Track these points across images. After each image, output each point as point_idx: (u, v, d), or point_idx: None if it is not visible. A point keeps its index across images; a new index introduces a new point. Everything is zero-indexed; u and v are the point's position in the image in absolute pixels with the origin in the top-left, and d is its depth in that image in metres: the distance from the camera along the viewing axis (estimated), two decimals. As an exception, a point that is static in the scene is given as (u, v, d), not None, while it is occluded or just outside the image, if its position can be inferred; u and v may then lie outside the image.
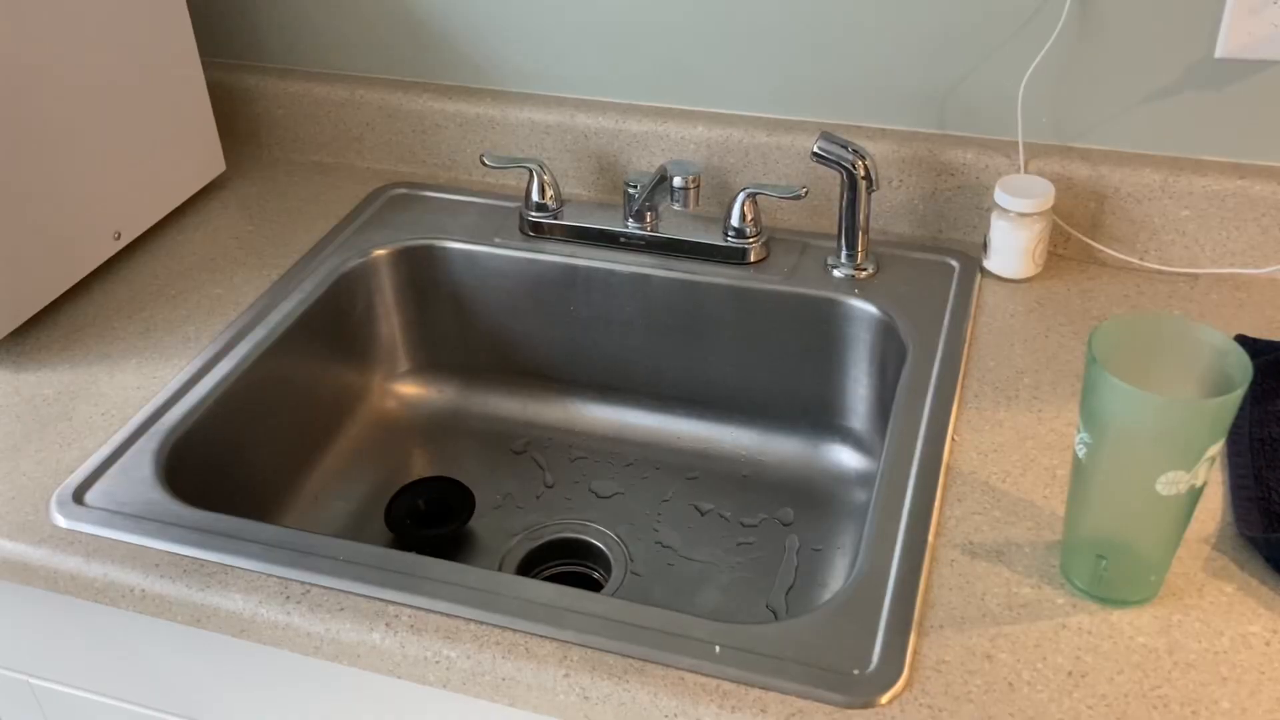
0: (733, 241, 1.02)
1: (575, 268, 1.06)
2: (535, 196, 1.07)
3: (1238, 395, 0.60)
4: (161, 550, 0.76)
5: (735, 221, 1.02)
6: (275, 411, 0.98)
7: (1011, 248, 0.97)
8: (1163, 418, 0.61)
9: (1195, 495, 0.64)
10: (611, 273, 1.05)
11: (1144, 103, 0.98)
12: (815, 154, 0.96)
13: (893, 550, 0.73)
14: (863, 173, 0.96)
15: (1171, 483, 0.63)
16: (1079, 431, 0.66)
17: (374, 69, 1.19)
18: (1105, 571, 0.69)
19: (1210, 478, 0.75)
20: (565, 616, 0.70)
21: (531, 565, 0.99)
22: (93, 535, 0.78)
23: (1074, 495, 0.69)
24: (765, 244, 1.03)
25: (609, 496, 1.04)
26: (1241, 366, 0.62)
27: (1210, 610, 0.69)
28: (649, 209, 1.05)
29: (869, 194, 0.98)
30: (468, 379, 1.14)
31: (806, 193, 0.98)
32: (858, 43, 1.02)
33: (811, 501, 1.02)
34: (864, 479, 1.02)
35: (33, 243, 0.95)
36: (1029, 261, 0.98)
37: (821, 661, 0.66)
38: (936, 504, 0.77)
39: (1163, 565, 0.69)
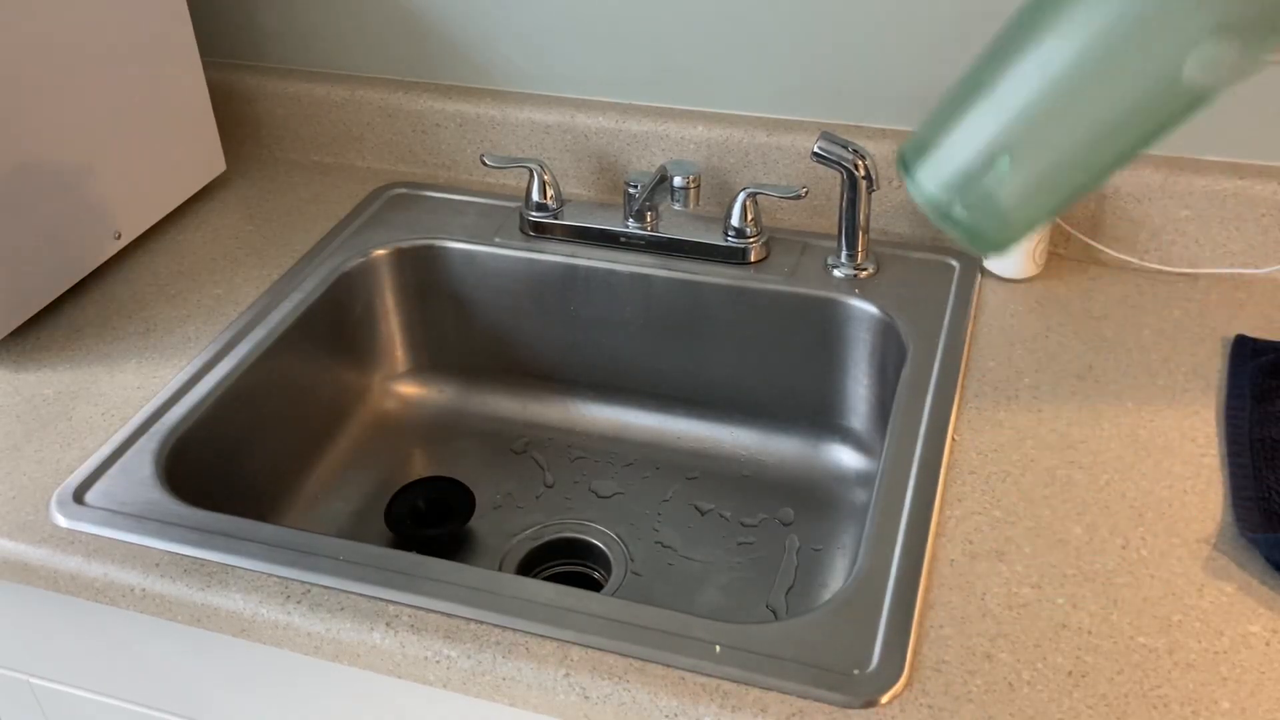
0: (733, 241, 1.02)
1: (575, 268, 1.06)
2: (535, 196, 1.07)
3: None
4: (162, 550, 0.76)
5: (735, 221, 1.02)
6: (275, 411, 0.98)
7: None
8: None
9: (1208, 100, 0.45)
10: (612, 273, 1.05)
11: (1144, 103, 0.98)
12: (815, 154, 0.96)
13: (893, 550, 0.73)
14: (863, 173, 0.96)
15: (1211, 65, 0.42)
16: None
17: (374, 69, 1.19)
18: (1002, 178, 0.49)
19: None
20: (565, 616, 0.70)
21: (531, 565, 0.99)
22: (93, 535, 0.78)
23: (1022, 55, 0.48)
24: (765, 244, 1.03)
25: (609, 496, 1.04)
26: None
27: (1210, 610, 0.69)
28: (649, 209, 1.05)
29: (869, 194, 0.98)
30: (468, 379, 1.14)
31: (806, 193, 0.98)
32: (858, 43, 1.02)
33: (811, 501, 1.02)
34: (864, 479, 1.02)
35: (33, 243, 0.95)
36: (1029, 261, 0.98)
37: (821, 661, 0.66)
38: (936, 504, 0.77)
39: (1065, 195, 0.51)
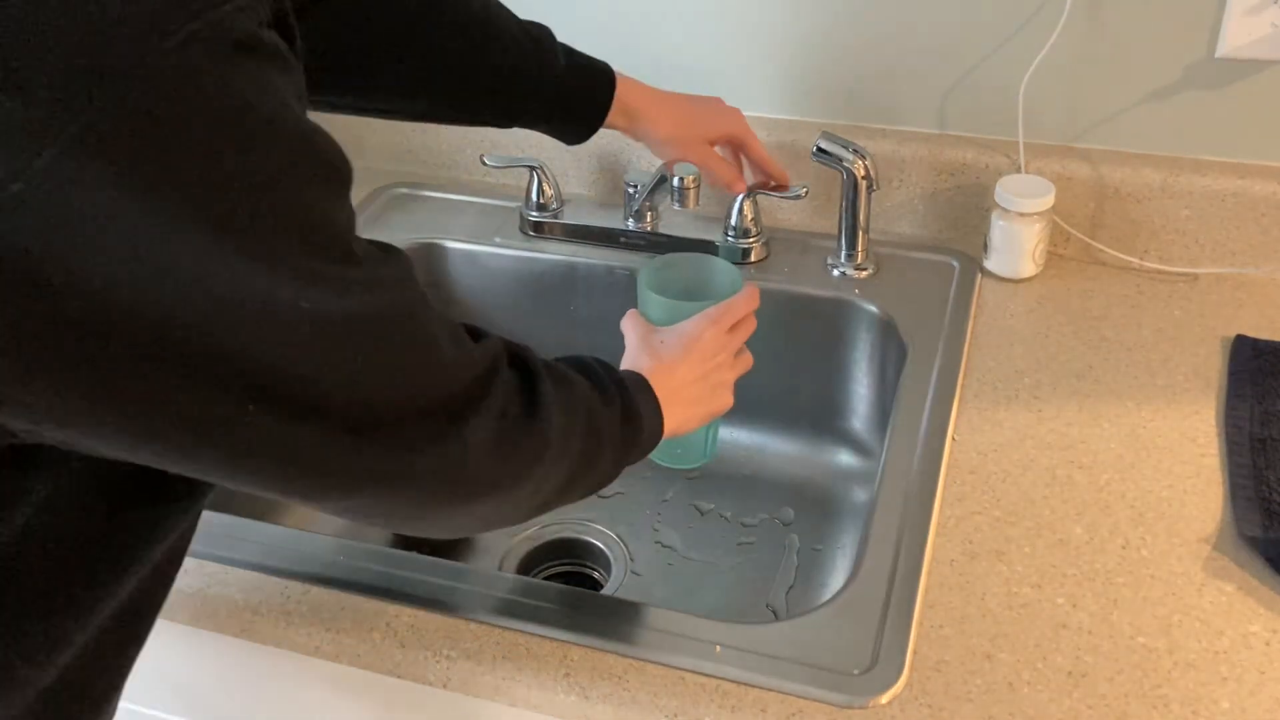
0: (733, 241, 1.02)
1: (575, 267, 1.06)
2: (535, 196, 1.07)
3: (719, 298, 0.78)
4: (161, 550, 0.76)
5: (735, 221, 1.02)
6: (275, 411, 0.98)
7: (1012, 248, 0.97)
8: (675, 314, 0.79)
9: None
10: (611, 272, 1.05)
11: (1144, 103, 0.98)
12: (815, 154, 0.96)
13: (893, 550, 0.73)
14: (863, 173, 0.96)
15: None
16: None
17: (374, 69, 1.19)
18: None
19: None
20: (565, 616, 0.70)
21: (531, 565, 0.99)
22: (93, 535, 0.77)
23: None
24: (765, 244, 1.03)
25: (609, 496, 1.04)
26: (731, 284, 0.82)
27: (1210, 610, 0.69)
28: (649, 209, 1.05)
29: (869, 194, 0.98)
30: (468, 379, 1.14)
31: (807, 192, 0.98)
32: (858, 42, 1.02)
33: (811, 501, 1.02)
34: (864, 479, 1.02)
35: (33, 243, 0.95)
36: (1029, 261, 0.98)
37: (821, 661, 0.66)
38: (936, 504, 0.77)
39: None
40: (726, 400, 0.78)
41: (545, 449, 0.58)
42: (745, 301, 0.79)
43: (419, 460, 0.52)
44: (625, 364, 0.77)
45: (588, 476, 0.64)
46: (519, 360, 0.60)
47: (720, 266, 0.85)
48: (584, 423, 0.62)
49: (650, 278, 0.83)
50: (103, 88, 0.37)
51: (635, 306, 0.82)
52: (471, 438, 0.54)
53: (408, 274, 0.51)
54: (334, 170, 0.46)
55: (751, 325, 0.80)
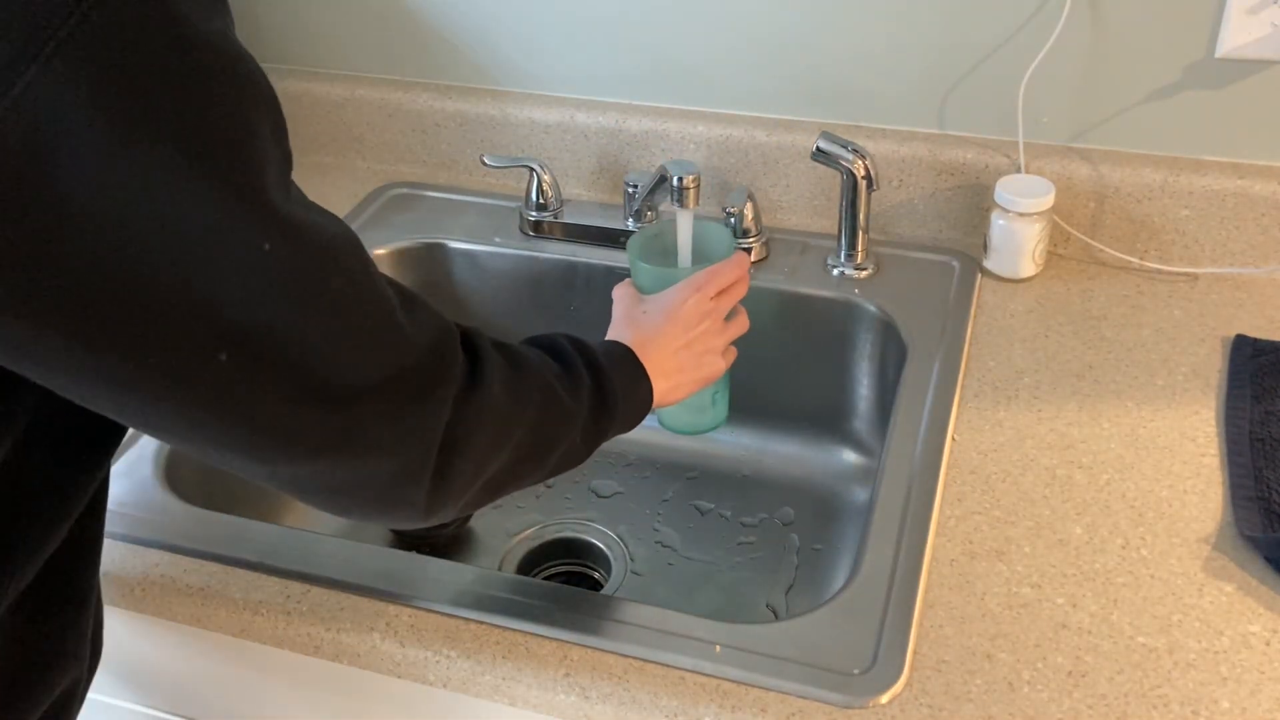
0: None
1: (575, 267, 1.06)
2: (535, 196, 1.07)
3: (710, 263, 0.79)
4: (162, 550, 0.76)
5: (735, 222, 1.02)
6: (275, 411, 0.98)
7: (1011, 248, 0.97)
8: (662, 281, 0.80)
9: None
10: (611, 272, 1.05)
11: (1144, 103, 0.98)
12: (815, 154, 0.96)
13: (893, 550, 0.73)
14: (863, 173, 0.96)
15: None
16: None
17: (374, 69, 1.19)
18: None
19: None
20: (565, 616, 0.70)
21: (531, 565, 0.99)
22: (93, 535, 0.77)
23: None
24: (765, 244, 1.03)
25: (609, 496, 1.04)
26: (727, 247, 0.83)
27: (1210, 610, 0.69)
28: (649, 209, 1.05)
29: (869, 194, 0.98)
30: (468, 379, 1.14)
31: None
32: (857, 43, 1.02)
33: (811, 501, 1.02)
34: (864, 478, 1.02)
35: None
36: (1029, 261, 0.98)
37: (821, 661, 0.66)
38: (936, 504, 0.77)
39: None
40: (717, 366, 0.79)
41: (475, 436, 0.57)
42: (732, 267, 0.79)
43: (386, 431, 0.51)
44: (609, 335, 0.77)
45: (545, 459, 0.64)
46: (467, 340, 0.60)
47: (713, 231, 0.85)
48: (536, 407, 0.62)
49: (639, 245, 0.83)
50: (72, 13, 0.38)
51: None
52: (437, 413, 0.54)
53: (353, 233, 0.52)
54: (277, 106, 0.47)
55: (742, 289, 0.80)
